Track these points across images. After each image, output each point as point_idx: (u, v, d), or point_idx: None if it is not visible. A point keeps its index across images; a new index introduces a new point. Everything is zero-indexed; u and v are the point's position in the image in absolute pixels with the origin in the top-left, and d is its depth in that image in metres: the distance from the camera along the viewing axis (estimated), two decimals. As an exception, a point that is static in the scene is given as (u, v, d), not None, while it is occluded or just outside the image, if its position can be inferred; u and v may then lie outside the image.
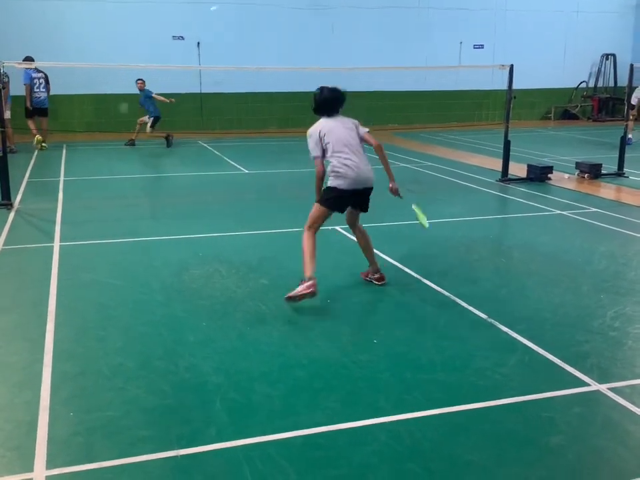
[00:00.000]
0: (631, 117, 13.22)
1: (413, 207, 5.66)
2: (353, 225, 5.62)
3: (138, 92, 14.68)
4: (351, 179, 5.22)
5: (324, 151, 5.26)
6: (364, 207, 5.47)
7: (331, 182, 5.29)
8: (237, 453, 3.18)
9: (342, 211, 5.46)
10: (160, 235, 7.34)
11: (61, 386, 3.86)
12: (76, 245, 6.90)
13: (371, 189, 5.38)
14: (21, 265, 6.31)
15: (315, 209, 5.35)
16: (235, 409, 3.59)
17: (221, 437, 3.31)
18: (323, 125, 5.30)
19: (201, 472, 3.05)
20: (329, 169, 5.28)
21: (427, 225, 5.63)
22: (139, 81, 14.58)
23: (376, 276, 5.61)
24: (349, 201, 5.37)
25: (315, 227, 5.33)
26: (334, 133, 5.25)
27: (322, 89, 5.41)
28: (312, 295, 5.01)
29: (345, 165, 5.20)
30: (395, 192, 5.45)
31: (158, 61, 15.10)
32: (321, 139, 5.24)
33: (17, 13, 16.46)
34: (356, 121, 5.44)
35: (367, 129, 5.42)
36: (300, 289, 5.02)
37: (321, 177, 5.33)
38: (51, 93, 15.08)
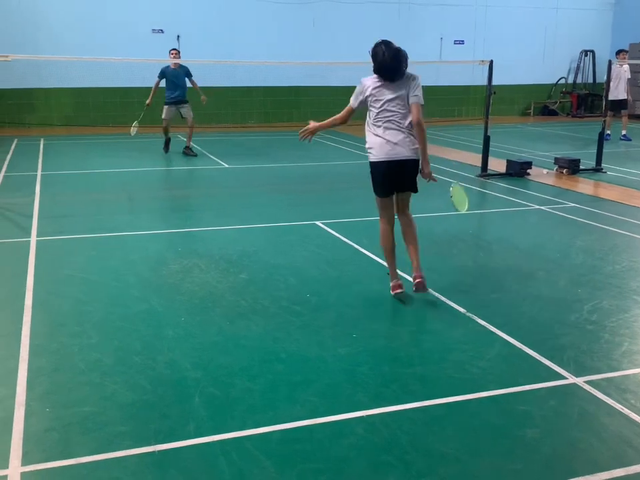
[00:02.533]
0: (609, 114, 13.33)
1: (451, 188, 5.58)
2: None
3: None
4: (386, 151, 4.95)
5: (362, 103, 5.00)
6: (408, 184, 5.12)
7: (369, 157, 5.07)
8: (215, 448, 3.17)
9: (389, 192, 5.12)
10: (138, 229, 7.28)
11: (37, 382, 3.82)
12: (53, 239, 6.82)
13: (413, 161, 5.01)
14: (-3, 260, 6.24)
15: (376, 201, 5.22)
16: (213, 404, 3.58)
17: (199, 432, 3.30)
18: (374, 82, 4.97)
19: (178, 467, 3.04)
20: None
21: (462, 209, 5.55)
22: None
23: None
24: (390, 177, 5.01)
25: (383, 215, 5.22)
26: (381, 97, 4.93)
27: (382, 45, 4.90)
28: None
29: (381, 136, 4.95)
30: (427, 176, 5.16)
31: (137, 54, 14.94)
32: (364, 94, 4.98)
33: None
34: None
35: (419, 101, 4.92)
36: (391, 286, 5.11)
37: (338, 120, 5.11)
38: (27, 86, 14.92)
